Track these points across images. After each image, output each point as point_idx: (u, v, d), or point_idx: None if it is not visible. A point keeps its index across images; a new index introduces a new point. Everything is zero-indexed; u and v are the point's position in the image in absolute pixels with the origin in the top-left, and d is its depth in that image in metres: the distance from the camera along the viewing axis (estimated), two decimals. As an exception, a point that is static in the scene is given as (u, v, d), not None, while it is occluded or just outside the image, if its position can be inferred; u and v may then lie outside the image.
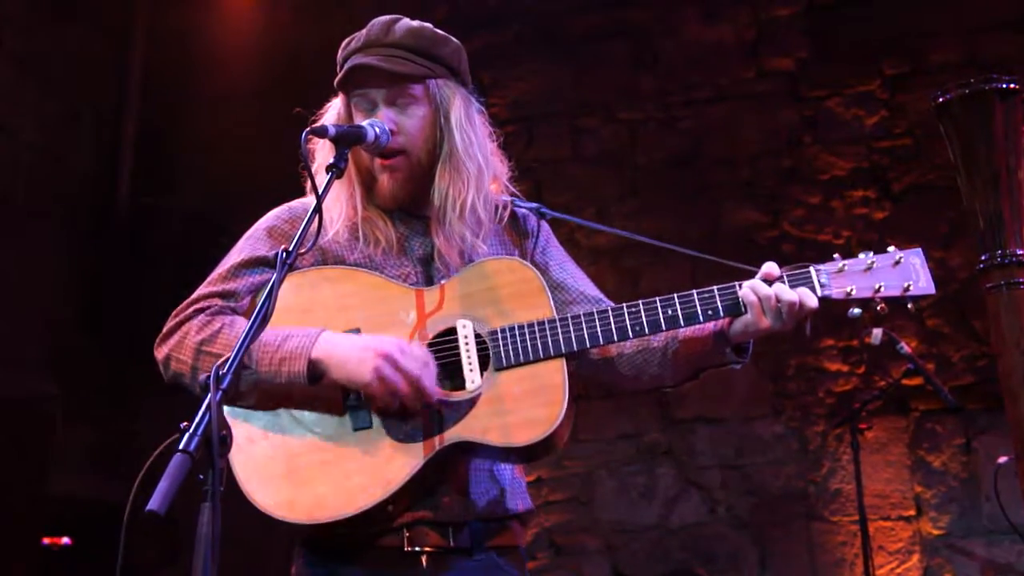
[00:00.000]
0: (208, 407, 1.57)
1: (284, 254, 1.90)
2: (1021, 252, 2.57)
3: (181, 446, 1.52)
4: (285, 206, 2.41)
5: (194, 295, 2.29)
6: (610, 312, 2.18)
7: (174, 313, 2.27)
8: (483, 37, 6.20)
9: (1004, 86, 2.61)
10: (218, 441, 1.53)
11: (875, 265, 2.16)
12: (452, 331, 2.20)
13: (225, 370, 1.64)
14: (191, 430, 1.53)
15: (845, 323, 5.55)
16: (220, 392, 1.59)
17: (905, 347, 4.60)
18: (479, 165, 2.33)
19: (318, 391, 2.14)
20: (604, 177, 6.18)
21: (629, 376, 2.35)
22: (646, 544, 5.69)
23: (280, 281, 1.86)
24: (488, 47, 6.24)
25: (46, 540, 5.14)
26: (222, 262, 2.34)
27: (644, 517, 5.73)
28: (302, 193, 2.42)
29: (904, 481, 5.40)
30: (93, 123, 6.71)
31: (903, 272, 2.16)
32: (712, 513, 5.66)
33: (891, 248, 2.19)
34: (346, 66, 2.28)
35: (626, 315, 2.17)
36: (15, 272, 5.76)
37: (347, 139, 2.14)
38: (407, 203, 2.34)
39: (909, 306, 2.17)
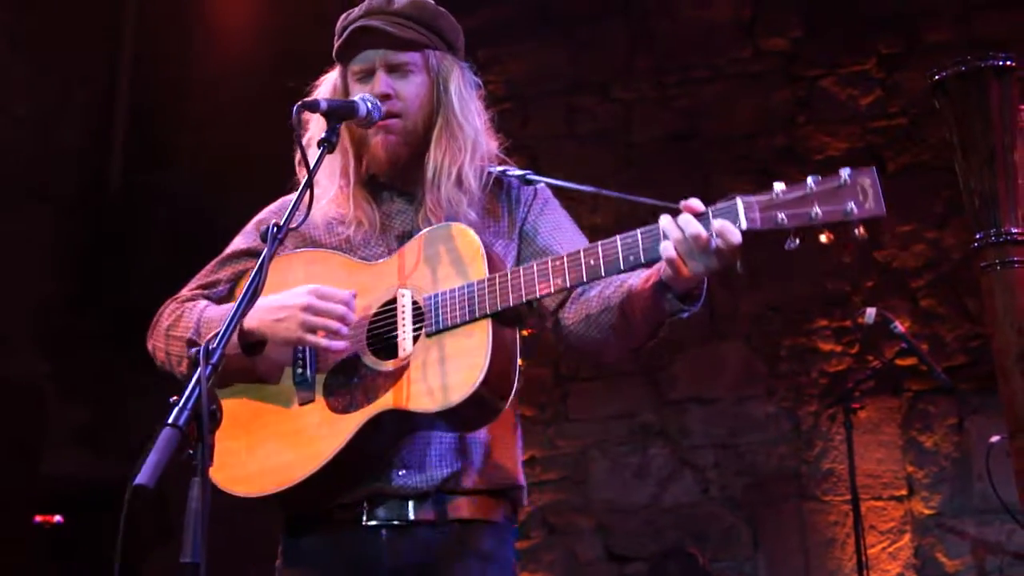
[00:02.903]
0: (197, 381, 1.56)
1: (275, 228, 1.90)
2: (1016, 231, 2.56)
3: (170, 420, 1.51)
4: (279, 200, 2.45)
5: (182, 291, 2.39)
6: (535, 266, 2.08)
7: (163, 307, 2.38)
8: (481, 14, 6.16)
9: (1000, 64, 2.59)
10: (208, 416, 1.52)
11: (814, 190, 1.90)
12: (394, 301, 2.19)
13: (215, 344, 1.63)
14: (180, 404, 1.53)
15: (838, 303, 5.58)
16: (209, 367, 1.58)
17: (898, 327, 4.60)
18: (474, 136, 2.33)
19: (264, 365, 2.19)
20: (599, 155, 6.16)
21: (599, 338, 2.23)
22: (639, 523, 5.71)
23: (271, 256, 1.86)
24: (486, 24, 6.20)
25: (38, 518, 5.14)
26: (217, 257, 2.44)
27: (637, 497, 5.74)
28: (295, 170, 2.42)
29: (896, 461, 5.41)
30: (85, 100, 6.68)
31: (847, 195, 1.90)
32: (705, 493, 5.67)
33: (843, 169, 1.94)
34: (348, 30, 2.29)
35: (549, 268, 2.06)
36: (6, 250, 5.74)
37: (339, 113, 2.14)
38: (398, 171, 2.34)
39: (857, 231, 1.90)
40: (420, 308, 2.14)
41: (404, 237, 2.30)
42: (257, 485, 2.17)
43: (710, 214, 1.92)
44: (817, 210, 1.89)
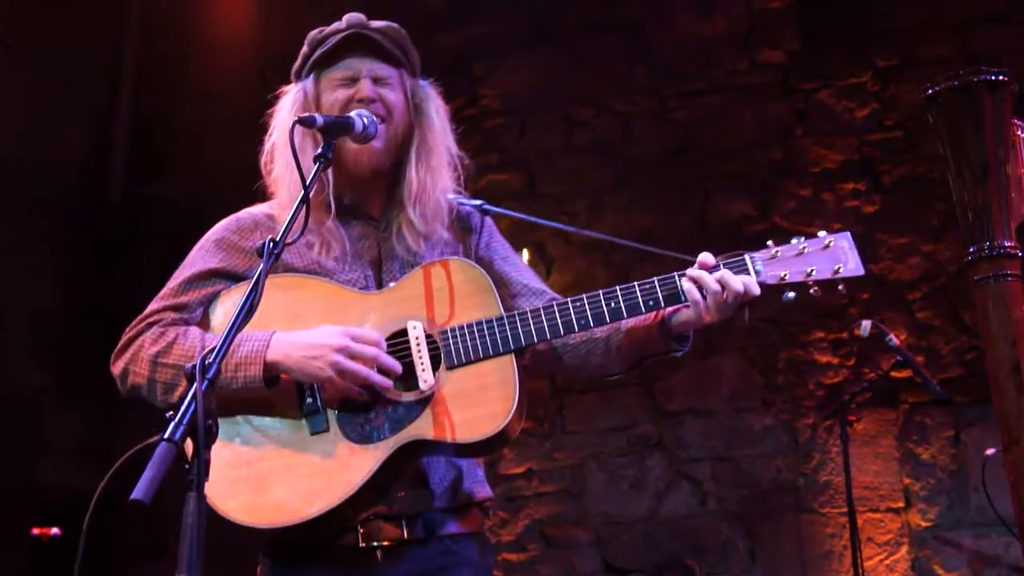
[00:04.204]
0: (194, 396, 1.56)
1: (271, 244, 1.89)
2: (1009, 244, 2.57)
3: (166, 435, 1.51)
4: (233, 217, 2.43)
5: (146, 311, 2.32)
6: (555, 307, 2.22)
7: (127, 329, 2.31)
8: (477, 28, 6.19)
9: (993, 78, 2.60)
10: (204, 431, 1.53)
11: (806, 250, 2.23)
12: (403, 333, 2.22)
13: (211, 359, 1.64)
14: (176, 419, 1.53)
15: (835, 315, 5.59)
16: (206, 382, 1.59)
17: (894, 339, 4.61)
18: (448, 159, 2.40)
19: (274, 395, 2.17)
20: (596, 168, 6.17)
21: (574, 366, 2.42)
22: (636, 536, 5.70)
23: (267, 272, 1.86)
24: (482, 38, 6.23)
25: (35, 531, 5.13)
26: (173, 276, 2.37)
27: (634, 509, 5.74)
28: (270, 183, 2.44)
29: (893, 473, 5.41)
30: (85, 111, 6.69)
31: (833, 255, 2.23)
32: (702, 505, 5.67)
33: (821, 233, 2.26)
34: (334, 38, 2.33)
35: (571, 309, 2.21)
36: (4, 260, 5.74)
37: (335, 129, 2.16)
38: (369, 188, 2.37)
39: (840, 287, 2.22)
40: (433, 340, 2.20)
41: (376, 264, 2.34)
42: (268, 516, 2.13)
43: (722, 267, 2.19)
44: (812, 268, 2.20)
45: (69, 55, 6.41)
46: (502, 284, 2.42)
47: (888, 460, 5.43)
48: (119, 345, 2.30)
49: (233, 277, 2.33)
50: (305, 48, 2.41)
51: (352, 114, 2.22)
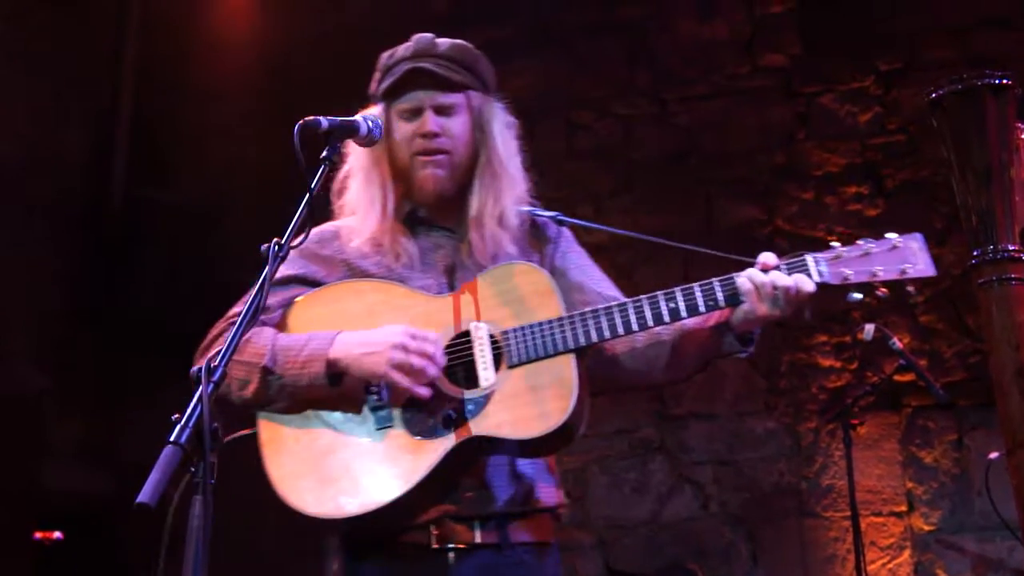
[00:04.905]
0: (199, 399, 1.57)
1: (276, 247, 1.93)
2: (1013, 248, 2.57)
3: (172, 438, 1.52)
4: (315, 228, 2.49)
5: (230, 311, 2.41)
6: (615, 307, 2.25)
7: (211, 328, 2.40)
8: (480, 32, 6.17)
9: (997, 82, 2.61)
10: (209, 434, 1.53)
11: (873, 250, 2.21)
12: (467, 334, 2.28)
13: (217, 363, 1.65)
14: (182, 422, 1.53)
15: (838, 319, 5.58)
16: (211, 385, 1.59)
17: (897, 343, 4.60)
18: (514, 176, 2.46)
19: (342, 391, 2.24)
20: (599, 172, 6.17)
21: (643, 370, 2.44)
22: (638, 539, 5.70)
23: (272, 274, 1.90)
24: (485, 42, 6.21)
25: (38, 534, 5.13)
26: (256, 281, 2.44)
27: (637, 512, 5.74)
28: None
29: (896, 477, 5.41)
30: (86, 114, 6.69)
31: (901, 255, 2.20)
32: (704, 509, 5.67)
33: (890, 234, 2.24)
34: (398, 70, 2.39)
35: (630, 310, 2.24)
36: (6, 264, 5.75)
37: (340, 132, 2.19)
38: (441, 205, 2.44)
39: (909, 288, 2.20)
40: (496, 341, 2.25)
41: (449, 271, 2.41)
42: (333, 506, 2.19)
43: (783, 267, 2.21)
44: (879, 268, 2.18)
45: (69, 56, 6.42)
46: (577, 291, 2.46)
47: (891, 464, 5.43)
48: (203, 343, 2.38)
49: (311, 283, 2.44)
50: (377, 73, 2.48)
51: (358, 117, 2.25)
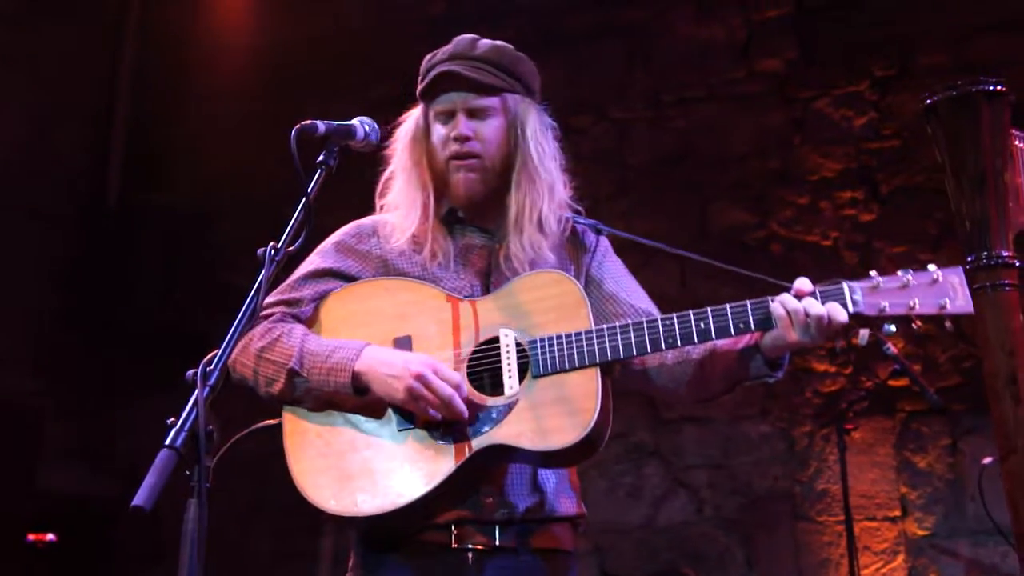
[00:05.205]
0: (195, 403, 1.57)
1: (272, 251, 1.94)
2: (1007, 254, 2.58)
3: (167, 442, 1.52)
4: (355, 222, 2.54)
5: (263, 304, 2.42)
6: (644, 324, 2.24)
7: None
8: (478, 34, 6.20)
9: (991, 88, 2.62)
10: (204, 437, 1.53)
11: (911, 283, 2.17)
12: (496, 340, 2.28)
13: (212, 366, 1.65)
14: (177, 426, 1.54)
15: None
16: (207, 388, 1.59)
17: (891, 348, 4.61)
18: (551, 180, 2.47)
19: (366, 401, 2.26)
20: (595, 176, 6.18)
21: (670, 388, 2.43)
22: (633, 544, 5.70)
23: (269, 278, 1.91)
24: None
25: (31, 536, 5.13)
26: (291, 275, 2.47)
27: (631, 517, 5.74)
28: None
29: (890, 482, 5.41)
30: (83, 120, 6.70)
31: (940, 290, 2.16)
32: (699, 513, 5.67)
33: (931, 266, 2.19)
34: (432, 73, 2.40)
35: (660, 327, 2.23)
36: (2, 268, 5.75)
37: (337, 136, 2.19)
38: (477, 207, 2.45)
39: (947, 324, 2.18)
40: (523, 349, 2.25)
41: (484, 273, 2.42)
42: (350, 503, 2.21)
43: (818, 294, 2.18)
44: (916, 301, 2.15)
45: (67, 63, 6.43)
46: (610, 302, 2.47)
47: (885, 469, 5.44)
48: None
49: (346, 278, 2.44)
50: (420, 75, 2.49)
51: (355, 121, 2.26)
